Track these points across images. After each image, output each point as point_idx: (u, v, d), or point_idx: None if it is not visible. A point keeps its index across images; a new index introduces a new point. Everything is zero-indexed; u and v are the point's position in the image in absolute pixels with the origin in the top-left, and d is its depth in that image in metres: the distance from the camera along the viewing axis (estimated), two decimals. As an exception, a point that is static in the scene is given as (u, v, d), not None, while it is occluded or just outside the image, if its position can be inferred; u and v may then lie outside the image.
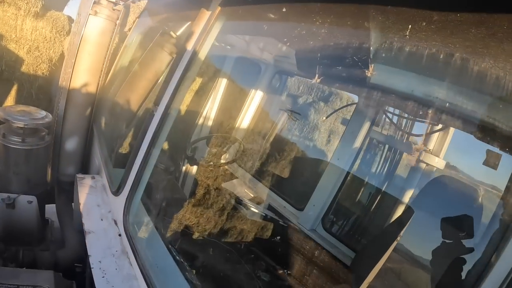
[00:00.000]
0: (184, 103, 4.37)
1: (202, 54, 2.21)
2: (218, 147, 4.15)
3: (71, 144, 3.48)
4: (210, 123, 4.44)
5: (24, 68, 6.33)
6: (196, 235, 3.47)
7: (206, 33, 2.18)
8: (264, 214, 3.85)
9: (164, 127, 2.24)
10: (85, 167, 3.71)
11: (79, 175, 2.94)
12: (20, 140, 3.05)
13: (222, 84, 4.42)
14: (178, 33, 3.32)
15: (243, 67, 4.30)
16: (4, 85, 6.23)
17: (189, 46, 2.23)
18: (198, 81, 4.98)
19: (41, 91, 6.57)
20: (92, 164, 3.61)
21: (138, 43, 3.72)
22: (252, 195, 4.06)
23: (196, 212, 3.52)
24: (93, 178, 2.97)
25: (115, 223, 2.52)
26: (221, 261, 3.36)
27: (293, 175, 4.55)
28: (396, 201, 3.32)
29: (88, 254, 2.18)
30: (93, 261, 2.14)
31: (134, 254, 2.16)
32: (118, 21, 3.30)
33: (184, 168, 4.16)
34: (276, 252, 3.70)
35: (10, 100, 6.35)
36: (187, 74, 2.18)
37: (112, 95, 3.41)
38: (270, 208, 3.96)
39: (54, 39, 6.58)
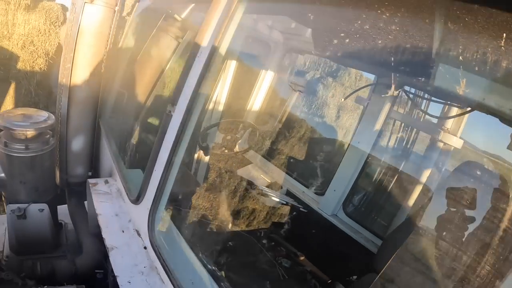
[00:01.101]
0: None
1: (224, 46, 1.83)
2: (231, 134, 3.80)
3: (77, 143, 3.10)
4: (225, 108, 4.01)
5: (20, 65, 5.75)
6: (223, 232, 3.20)
7: (228, 20, 1.79)
8: (283, 200, 3.60)
9: (186, 130, 1.90)
10: (94, 166, 3.37)
11: (91, 180, 2.61)
12: (23, 147, 2.70)
13: (234, 69, 3.97)
14: (183, 15, 2.91)
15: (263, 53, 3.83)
16: (1, 85, 5.66)
17: (207, 37, 1.85)
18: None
19: (40, 87, 6.02)
20: (102, 163, 3.28)
21: (140, 29, 3.27)
22: (270, 181, 3.79)
23: (224, 211, 3.24)
24: (106, 182, 2.64)
25: (138, 234, 2.23)
26: (253, 257, 3.13)
27: (311, 159, 4.26)
28: (420, 184, 3.08)
29: (115, 274, 1.90)
30: (122, 282, 1.87)
31: (165, 270, 1.88)
32: (117, 8, 2.86)
33: (198, 159, 3.82)
34: (296, 238, 3.47)
35: (8, 100, 5.81)
36: (209, 72, 1.81)
37: (117, 88, 3.02)
38: (288, 193, 3.71)
39: (49, 31, 5.95)
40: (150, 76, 2.78)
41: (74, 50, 2.74)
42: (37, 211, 2.89)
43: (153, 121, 3.17)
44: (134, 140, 2.89)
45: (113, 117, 3.13)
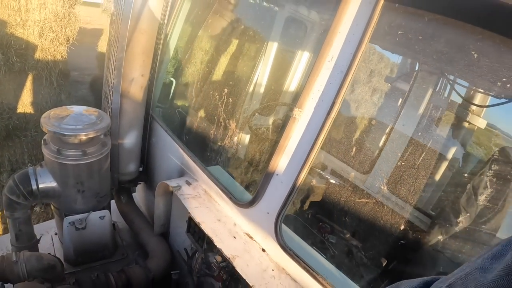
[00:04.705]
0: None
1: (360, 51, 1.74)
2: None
3: (130, 140, 2.80)
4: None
5: (38, 55, 4.94)
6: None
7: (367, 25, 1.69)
8: (331, 179, 3.67)
9: (318, 138, 1.85)
10: (146, 161, 3.15)
11: (171, 183, 2.41)
12: (80, 153, 2.36)
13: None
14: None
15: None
16: (17, 78, 4.84)
17: (339, 42, 1.75)
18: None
19: (62, 76, 5.22)
20: (156, 157, 3.08)
21: (193, 13, 2.90)
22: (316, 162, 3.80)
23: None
24: (188, 183, 2.48)
25: (250, 237, 2.21)
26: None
27: (356, 139, 4.29)
28: (462, 167, 3.34)
29: (251, 284, 1.91)
30: (262, 292, 1.89)
31: (304, 266, 1.91)
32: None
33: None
34: (344, 216, 3.60)
35: (26, 93, 5.01)
36: (345, 80, 1.73)
37: (183, 78, 2.74)
38: (333, 173, 3.79)
39: (69, 15, 5.10)
40: (227, 61, 2.55)
41: (126, 38, 2.42)
42: (98, 219, 2.66)
43: (241, 114, 2.97)
44: (214, 136, 2.70)
45: (176, 109, 2.88)
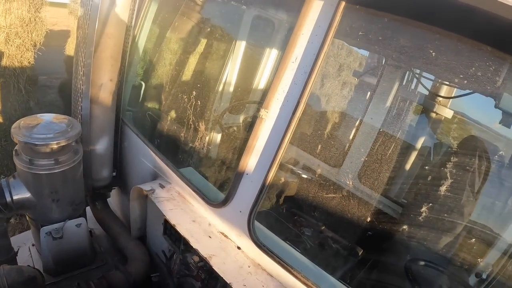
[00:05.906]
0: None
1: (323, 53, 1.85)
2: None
3: (101, 145, 2.84)
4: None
5: (5, 62, 4.88)
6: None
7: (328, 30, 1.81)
8: (304, 174, 3.78)
9: (285, 137, 1.97)
10: (118, 165, 3.21)
11: (145, 187, 2.49)
12: (52, 162, 2.38)
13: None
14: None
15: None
16: None
17: (303, 44, 1.87)
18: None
19: (30, 82, 5.16)
20: (129, 161, 3.12)
21: (160, 15, 2.96)
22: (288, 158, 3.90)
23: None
24: (162, 186, 2.56)
25: (225, 236, 2.32)
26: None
27: (327, 134, 4.40)
28: (431, 157, 3.52)
29: (228, 282, 2.02)
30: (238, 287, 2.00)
31: (278, 261, 2.01)
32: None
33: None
34: (316, 209, 3.72)
35: None
36: (309, 80, 1.85)
37: (152, 80, 2.81)
38: (305, 168, 3.91)
39: (35, 19, 5.01)
40: (200, 73, 2.64)
41: (94, 43, 2.47)
42: (75, 227, 2.70)
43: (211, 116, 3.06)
44: (184, 138, 2.78)
45: (146, 112, 2.94)
